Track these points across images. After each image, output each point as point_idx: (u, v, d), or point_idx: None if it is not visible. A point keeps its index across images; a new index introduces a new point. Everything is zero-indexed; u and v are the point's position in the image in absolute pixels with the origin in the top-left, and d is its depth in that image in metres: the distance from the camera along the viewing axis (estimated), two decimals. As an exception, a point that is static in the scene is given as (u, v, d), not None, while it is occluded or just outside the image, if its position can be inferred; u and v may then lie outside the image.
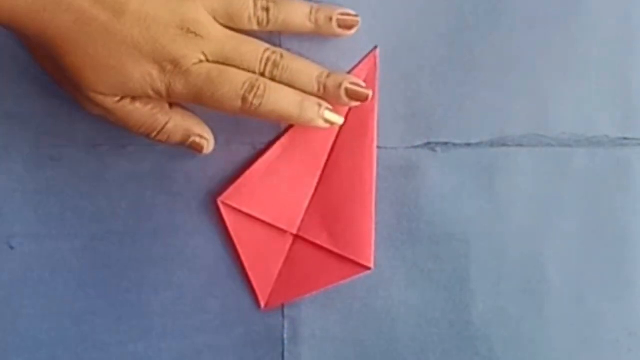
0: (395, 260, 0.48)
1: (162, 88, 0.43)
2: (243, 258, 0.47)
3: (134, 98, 0.44)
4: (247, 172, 0.47)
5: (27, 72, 0.47)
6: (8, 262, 0.48)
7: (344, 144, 0.47)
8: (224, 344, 0.48)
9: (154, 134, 0.45)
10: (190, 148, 0.46)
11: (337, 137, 0.47)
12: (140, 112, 0.44)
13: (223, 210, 0.47)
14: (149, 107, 0.44)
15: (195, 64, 0.43)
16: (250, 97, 0.43)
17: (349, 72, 0.47)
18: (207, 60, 0.43)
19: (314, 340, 0.48)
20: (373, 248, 0.47)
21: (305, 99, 0.44)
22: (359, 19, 0.46)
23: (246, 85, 0.43)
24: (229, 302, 0.48)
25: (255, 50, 0.44)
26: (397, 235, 0.48)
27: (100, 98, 0.43)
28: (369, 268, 0.47)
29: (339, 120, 0.46)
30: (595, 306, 0.48)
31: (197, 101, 0.43)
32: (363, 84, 0.46)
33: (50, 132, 0.48)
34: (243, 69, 0.43)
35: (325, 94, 0.45)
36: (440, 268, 0.48)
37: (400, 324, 0.48)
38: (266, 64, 0.44)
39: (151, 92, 0.43)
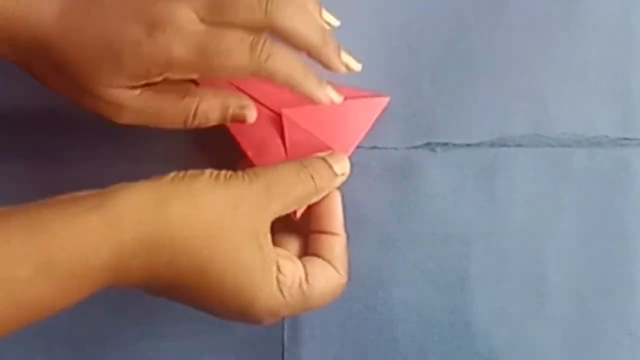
0: (395, 261, 0.48)
1: (158, 54, 0.40)
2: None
3: (155, 89, 0.41)
4: None
5: (28, 73, 0.47)
6: (8, 263, 0.48)
7: None
8: (224, 345, 0.48)
9: (190, 120, 0.42)
10: (233, 121, 0.44)
11: None
12: (166, 101, 0.42)
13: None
14: (173, 94, 0.42)
15: (188, 21, 0.40)
16: (259, 47, 0.40)
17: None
18: (199, 17, 0.40)
19: (313, 341, 0.48)
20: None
21: (306, 64, 0.42)
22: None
23: (252, 37, 0.41)
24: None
25: (250, 2, 0.40)
26: (397, 235, 0.48)
27: (115, 94, 0.41)
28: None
29: (338, 99, 0.44)
30: (595, 306, 0.48)
31: (201, 61, 0.40)
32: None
33: (51, 134, 0.48)
34: (239, 11, 0.40)
35: (321, 51, 0.42)
36: (440, 268, 0.48)
37: (400, 324, 0.48)
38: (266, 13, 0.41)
39: (149, 64, 0.40)
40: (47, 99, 0.47)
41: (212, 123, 0.43)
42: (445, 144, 0.49)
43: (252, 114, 0.44)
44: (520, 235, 0.48)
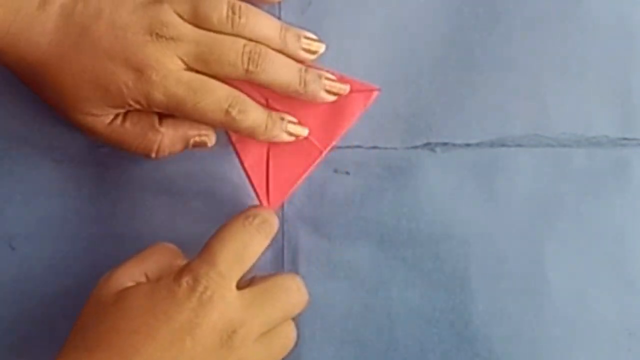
0: (395, 260, 0.48)
1: (140, 97, 0.42)
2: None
3: (123, 119, 0.44)
4: None
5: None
6: (9, 262, 0.48)
7: None
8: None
9: (153, 153, 0.45)
10: (195, 148, 0.46)
11: None
12: (131, 133, 0.44)
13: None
14: (139, 127, 0.44)
15: (173, 70, 0.42)
16: (234, 112, 0.43)
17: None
18: (185, 64, 0.43)
19: (313, 340, 0.48)
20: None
21: (270, 114, 0.45)
22: (323, 45, 0.46)
23: (230, 99, 0.43)
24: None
25: (232, 46, 0.43)
26: (397, 235, 0.48)
27: (90, 120, 0.43)
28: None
29: (302, 132, 0.46)
30: (595, 306, 0.48)
31: (178, 110, 0.43)
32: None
33: (51, 134, 0.48)
34: (223, 66, 0.43)
35: (305, 89, 0.45)
36: (440, 268, 0.48)
37: (400, 324, 0.48)
38: (248, 61, 0.43)
39: (131, 102, 0.42)
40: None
41: (176, 153, 0.46)
42: (445, 144, 0.49)
43: (211, 140, 0.46)
44: (520, 235, 0.48)
